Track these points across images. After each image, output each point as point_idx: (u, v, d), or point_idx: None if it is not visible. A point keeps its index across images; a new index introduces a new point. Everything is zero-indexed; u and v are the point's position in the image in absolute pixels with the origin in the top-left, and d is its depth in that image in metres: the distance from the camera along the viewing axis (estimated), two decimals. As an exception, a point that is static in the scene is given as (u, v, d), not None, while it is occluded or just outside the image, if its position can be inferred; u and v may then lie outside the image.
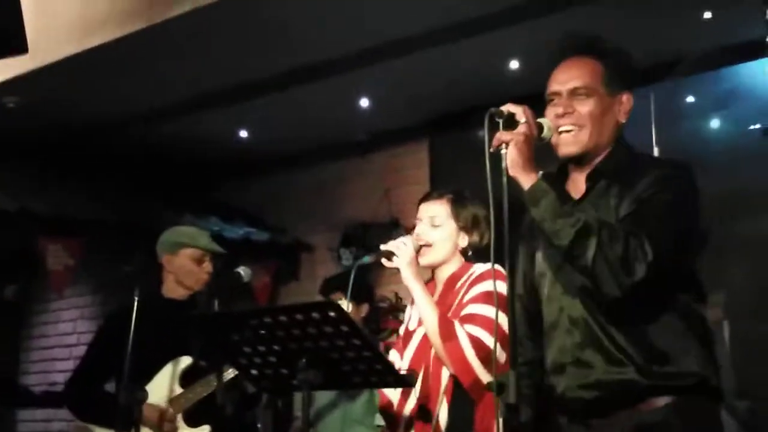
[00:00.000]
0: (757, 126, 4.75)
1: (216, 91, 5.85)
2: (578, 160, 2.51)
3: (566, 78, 2.49)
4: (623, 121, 2.52)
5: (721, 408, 2.42)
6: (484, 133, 2.30)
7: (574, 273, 2.38)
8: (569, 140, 2.47)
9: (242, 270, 3.95)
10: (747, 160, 4.71)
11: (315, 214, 6.99)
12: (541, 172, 2.35)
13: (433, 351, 3.10)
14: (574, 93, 2.47)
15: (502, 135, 2.32)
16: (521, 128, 2.33)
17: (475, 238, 3.22)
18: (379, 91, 5.87)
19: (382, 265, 6.33)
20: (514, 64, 5.31)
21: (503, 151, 2.32)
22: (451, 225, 3.22)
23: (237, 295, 4.15)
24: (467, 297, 3.09)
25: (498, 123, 2.32)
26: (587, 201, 2.45)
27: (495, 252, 2.25)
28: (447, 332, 3.00)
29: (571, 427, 2.47)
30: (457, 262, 3.23)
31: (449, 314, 3.08)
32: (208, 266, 4.13)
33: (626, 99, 2.52)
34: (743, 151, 4.79)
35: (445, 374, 3.05)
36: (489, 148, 2.31)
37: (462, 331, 2.97)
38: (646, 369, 2.30)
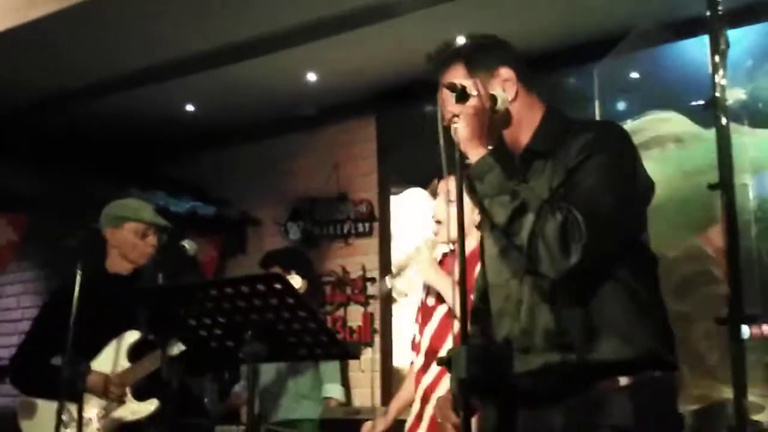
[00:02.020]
0: (700, 102, 4.81)
1: (161, 64, 5.77)
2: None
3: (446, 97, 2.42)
4: (513, 93, 2.44)
5: (672, 380, 2.36)
6: (436, 107, 2.30)
7: (518, 255, 2.34)
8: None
9: (187, 243, 3.94)
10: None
11: (262, 188, 6.97)
12: (490, 147, 2.32)
13: (454, 329, 3.14)
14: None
15: (451, 108, 2.31)
16: (471, 101, 2.31)
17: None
18: (326, 65, 5.85)
19: (332, 239, 6.41)
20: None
21: (454, 125, 2.30)
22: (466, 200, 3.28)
23: (183, 268, 4.13)
24: None
25: (450, 96, 2.32)
26: (527, 183, 2.38)
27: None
28: None
29: (523, 411, 2.40)
30: (476, 237, 3.23)
31: None
32: (152, 239, 4.11)
33: (504, 72, 2.45)
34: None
35: None
36: (442, 122, 2.31)
37: None
38: (594, 350, 2.25)
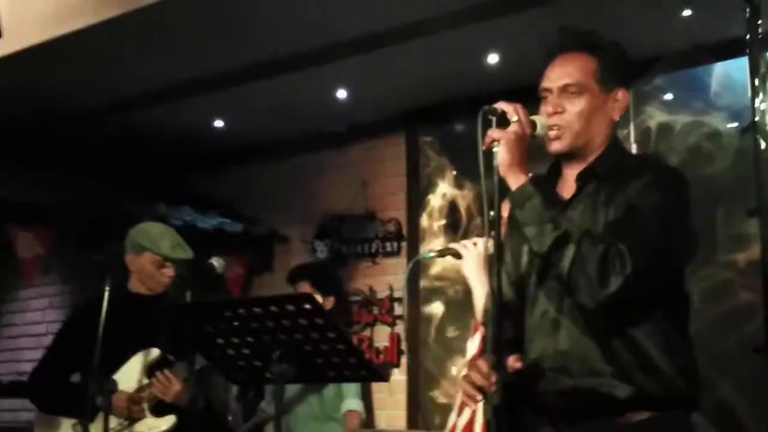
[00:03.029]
0: (735, 125, 4.75)
1: (192, 80, 5.78)
2: (569, 158, 2.49)
3: (558, 75, 2.46)
4: (617, 118, 2.49)
5: (692, 420, 2.38)
6: (478, 131, 2.28)
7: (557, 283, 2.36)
8: (557, 138, 2.45)
9: (215, 261, 3.93)
10: (726, 159, 4.69)
11: (290, 206, 6.94)
12: (530, 174, 2.33)
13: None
14: (564, 90, 2.44)
15: (493, 133, 2.30)
16: (512, 127, 2.31)
17: None
18: (357, 82, 5.83)
19: (360, 257, 6.39)
20: (493, 58, 5.29)
21: (495, 150, 2.30)
22: None
23: (210, 286, 4.11)
24: None
25: (491, 121, 2.31)
26: (577, 201, 2.43)
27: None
28: None
29: (541, 426, 2.45)
30: None
31: None
32: (169, 271, 4.09)
33: (621, 96, 2.49)
34: (721, 149, 4.78)
35: None
36: (482, 146, 2.28)
37: None
38: (628, 382, 2.28)
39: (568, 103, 2.44)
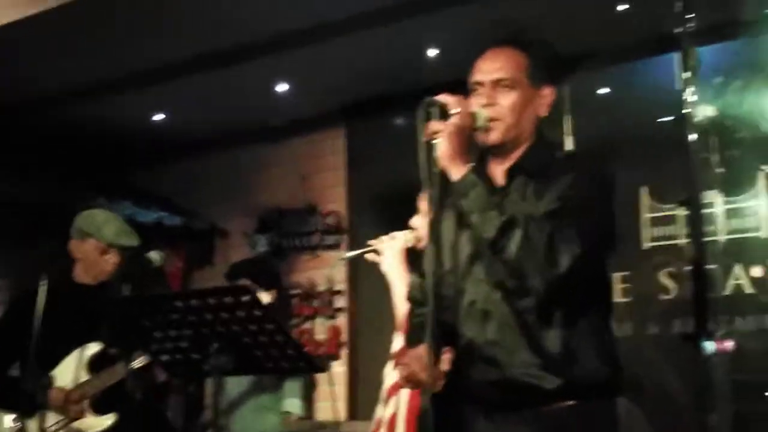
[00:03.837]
0: (670, 118, 4.82)
1: (131, 74, 5.74)
2: (497, 152, 2.51)
3: (490, 68, 2.49)
4: (543, 114, 2.53)
5: (616, 407, 2.44)
6: (418, 123, 2.30)
7: (493, 268, 2.39)
8: (491, 130, 2.47)
9: (154, 254, 3.89)
10: (659, 151, 4.78)
11: (230, 200, 6.92)
12: (471, 164, 2.36)
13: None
14: (497, 84, 2.47)
15: (434, 125, 2.32)
16: (453, 119, 2.33)
17: None
18: (296, 76, 5.83)
19: (300, 251, 6.39)
20: (431, 52, 5.33)
21: (435, 142, 2.32)
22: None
23: (149, 279, 4.07)
24: None
25: (431, 113, 2.33)
26: (507, 195, 2.45)
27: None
28: None
29: (474, 414, 2.49)
30: None
31: None
32: (113, 258, 4.02)
33: (548, 92, 2.53)
34: (655, 142, 4.86)
35: None
36: (422, 138, 2.31)
37: None
38: (556, 372, 2.32)
39: (500, 97, 2.47)
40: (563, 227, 2.24)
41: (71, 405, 3.83)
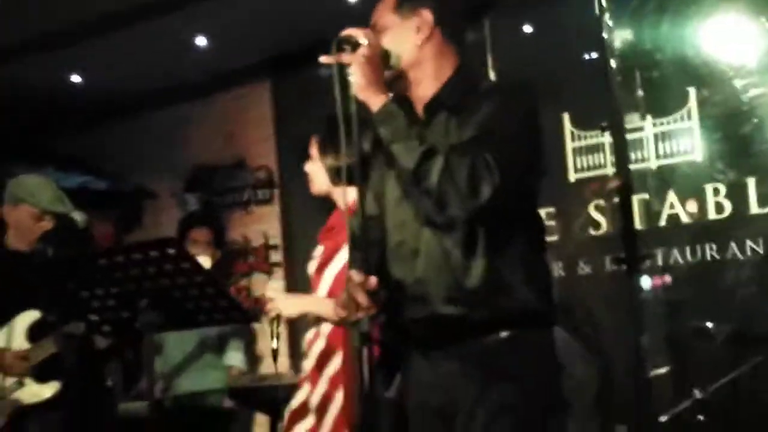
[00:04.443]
0: (594, 56, 4.83)
1: (45, 34, 5.57)
2: (404, 89, 2.47)
3: (373, 17, 2.48)
4: (423, 37, 2.44)
5: (553, 336, 2.45)
6: (332, 60, 2.26)
7: (420, 202, 2.36)
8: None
9: (77, 215, 3.83)
10: (584, 96, 4.77)
11: (157, 160, 6.80)
12: (390, 95, 2.32)
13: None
14: (376, 30, 2.45)
15: (343, 58, 2.28)
16: (361, 50, 2.29)
17: (329, 161, 3.35)
18: (216, 29, 5.72)
19: (232, 208, 6.33)
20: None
21: (350, 77, 2.28)
22: (318, 155, 3.39)
23: (75, 242, 3.99)
24: None
25: (345, 50, 2.29)
26: (429, 128, 2.42)
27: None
28: None
29: (410, 352, 2.50)
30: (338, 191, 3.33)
31: None
32: (47, 224, 3.96)
33: (424, 15, 2.45)
34: (577, 81, 4.86)
35: None
36: (337, 74, 2.27)
37: None
38: (485, 304, 2.31)
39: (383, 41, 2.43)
40: (484, 156, 2.21)
41: (11, 360, 3.77)
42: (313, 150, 3.42)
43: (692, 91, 4.71)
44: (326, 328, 3.27)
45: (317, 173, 3.40)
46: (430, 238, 2.38)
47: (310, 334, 3.36)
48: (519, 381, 2.32)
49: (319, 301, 3.28)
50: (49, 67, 6.07)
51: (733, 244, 4.62)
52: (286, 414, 3.40)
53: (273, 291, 3.38)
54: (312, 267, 3.40)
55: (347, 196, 2.61)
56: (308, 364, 3.33)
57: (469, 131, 2.32)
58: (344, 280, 3.20)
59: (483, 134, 2.29)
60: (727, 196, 4.66)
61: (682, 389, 4.02)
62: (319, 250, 3.41)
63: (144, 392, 4.69)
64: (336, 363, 3.22)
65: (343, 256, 3.24)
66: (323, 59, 2.30)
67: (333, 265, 3.28)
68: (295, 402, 3.35)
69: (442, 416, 2.40)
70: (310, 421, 3.23)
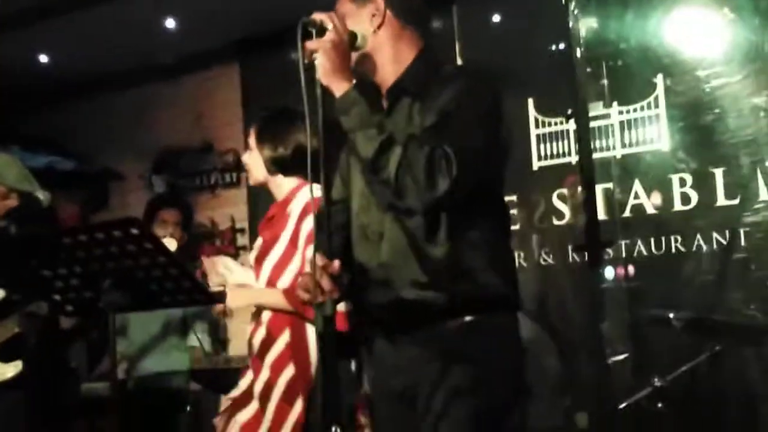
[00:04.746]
0: (561, 47, 4.85)
1: (10, 12, 5.51)
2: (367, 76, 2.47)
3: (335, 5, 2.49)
4: (376, 24, 2.44)
5: (518, 322, 2.46)
6: (298, 44, 2.24)
7: (380, 190, 2.37)
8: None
9: (40, 194, 3.81)
10: (549, 85, 4.77)
11: (124, 141, 6.76)
12: (354, 81, 2.30)
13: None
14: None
15: (310, 44, 2.27)
16: (328, 35, 2.27)
17: (267, 152, 3.37)
18: (185, 10, 5.69)
19: (199, 190, 6.30)
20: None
21: (317, 62, 2.27)
22: (256, 146, 3.41)
23: (38, 220, 3.97)
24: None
25: (311, 33, 2.28)
26: (392, 114, 2.42)
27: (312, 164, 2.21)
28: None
29: (375, 337, 2.52)
30: (276, 180, 3.41)
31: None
32: (12, 202, 3.95)
33: (377, 1, 2.45)
34: (543, 70, 4.87)
35: None
36: (303, 59, 2.25)
37: None
38: (448, 289, 2.32)
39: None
40: (443, 145, 2.20)
41: None
42: (251, 140, 3.43)
43: (660, 78, 4.70)
44: (266, 316, 3.29)
45: (255, 163, 3.42)
46: (393, 223, 2.38)
47: (252, 324, 3.39)
48: (482, 365, 2.33)
49: (266, 292, 3.30)
50: (17, 45, 6.01)
51: (698, 236, 4.61)
52: (225, 402, 3.43)
53: (225, 269, 3.38)
54: (252, 257, 3.42)
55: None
56: (250, 352, 3.36)
57: (430, 117, 2.32)
58: (282, 269, 3.25)
59: (443, 120, 2.29)
60: (693, 186, 4.64)
61: (642, 377, 4.06)
62: (258, 242, 3.43)
63: (107, 373, 4.69)
64: (276, 350, 3.24)
65: (281, 246, 3.28)
66: (309, 44, 2.26)
67: (271, 256, 3.30)
68: (238, 390, 3.38)
69: (404, 399, 2.42)
70: (253, 407, 3.25)
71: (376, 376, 2.56)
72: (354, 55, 2.40)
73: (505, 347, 2.41)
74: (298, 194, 3.33)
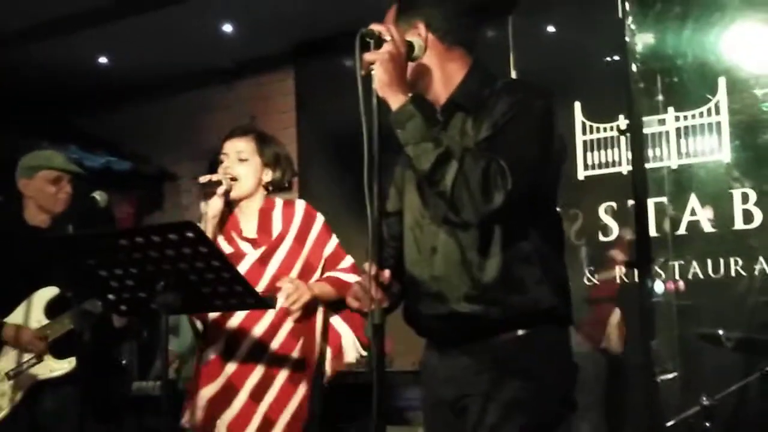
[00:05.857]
0: (615, 58, 4.81)
1: (75, 15, 5.62)
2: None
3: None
4: (420, 52, 2.42)
5: (569, 334, 2.47)
6: (356, 55, 2.25)
7: (435, 203, 2.38)
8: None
9: (98, 194, 3.87)
10: (600, 91, 4.73)
11: (179, 143, 6.85)
12: (410, 94, 2.30)
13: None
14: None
15: (367, 56, 2.27)
16: (386, 47, 2.27)
17: (278, 174, 3.43)
18: (243, 16, 5.75)
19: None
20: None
21: (373, 73, 2.27)
22: (256, 160, 3.41)
23: (95, 220, 4.04)
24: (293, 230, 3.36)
25: (369, 44, 2.28)
26: (445, 132, 2.40)
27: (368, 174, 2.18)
28: None
29: (432, 352, 2.54)
30: (261, 196, 3.43)
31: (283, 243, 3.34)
32: (66, 187, 4.06)
33: (419, 27, 2.44)
34: (597, 82, 4.83)
35: None
36: (360, 70, 2.26)
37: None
38: (500, 302, 2.33)
39: None
40: (498, 159, 2.20)
41: (29, 338, 3.83)
42: (245, 153, 3.42)
43: (722, 82, 4.52)
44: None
45: (250, 175, 3.40)
46: (447, 237, 2.40)
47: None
48: (535, 379, 2.34)
49: (319, 285, 3.33)
50: (78, 48, 6.12)
51: (761, 258, 4.42)
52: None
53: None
54: (251, 259, 3.39)
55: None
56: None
57: (484, 131, 2.33)
58: (288, 269, 3.28)
59: (497, 133, 2.29)
60: (758, 204, 4.44)
61: (690, 395, 4.02)
62: (244, 245, 3.39)
63: (158, 372, 4.76)
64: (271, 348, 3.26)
65: (281, 252, 3.32)
66: (367, 56, 2.26)
67: (278, 254, 3.34)
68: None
69: (455, 410, 2.43)
70: (241, 400, 3.26)
71: (427, 386, 2.56)
72: (408, 73, 2.38)
73: (558, 362, 2.42)
74: (277, 202, 3.42)
